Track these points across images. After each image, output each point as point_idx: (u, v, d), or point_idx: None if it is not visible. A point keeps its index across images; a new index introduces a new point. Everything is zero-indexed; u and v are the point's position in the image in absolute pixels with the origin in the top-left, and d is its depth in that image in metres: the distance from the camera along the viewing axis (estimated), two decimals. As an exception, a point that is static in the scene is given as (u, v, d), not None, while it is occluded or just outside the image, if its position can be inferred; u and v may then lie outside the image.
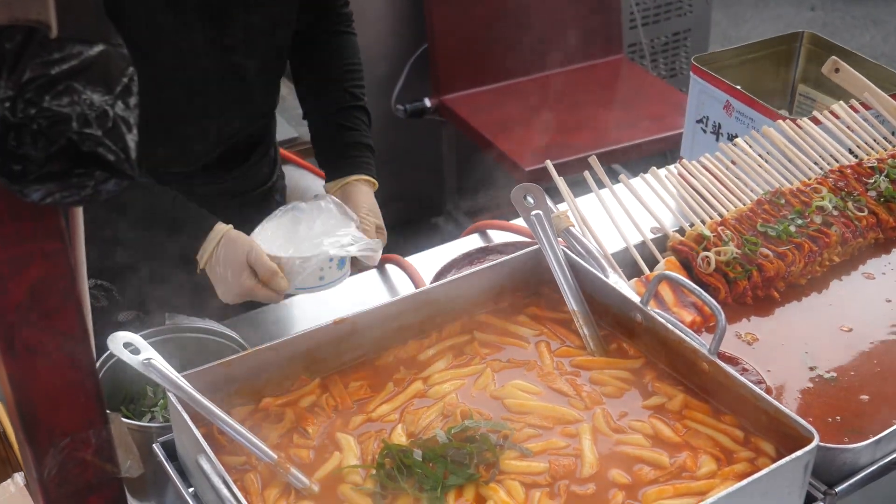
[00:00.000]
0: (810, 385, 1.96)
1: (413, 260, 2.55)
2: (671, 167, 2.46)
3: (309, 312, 2.40)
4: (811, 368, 2.00)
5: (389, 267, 2.57)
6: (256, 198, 2.66)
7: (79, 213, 1.35)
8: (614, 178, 2.38)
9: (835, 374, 1.98)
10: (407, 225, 4.93)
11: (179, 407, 1.63)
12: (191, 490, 1.67)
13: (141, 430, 1.84)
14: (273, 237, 2.20)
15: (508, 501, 1.62)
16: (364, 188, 2.44)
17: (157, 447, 1.72)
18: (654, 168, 2.42)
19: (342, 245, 2.16)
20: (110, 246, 2.25)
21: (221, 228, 2.18)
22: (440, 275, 2.34)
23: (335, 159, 2.51)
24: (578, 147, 4.26)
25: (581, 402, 1.81)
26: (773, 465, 1.57)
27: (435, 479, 1.62)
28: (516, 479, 1.65)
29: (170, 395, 1.65)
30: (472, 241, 2.63)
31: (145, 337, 1.77)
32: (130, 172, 1.19)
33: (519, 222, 2.59)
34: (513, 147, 4.36)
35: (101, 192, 1.19)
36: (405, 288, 2.48)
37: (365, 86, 2.59)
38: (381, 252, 2.25)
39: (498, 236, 2.65)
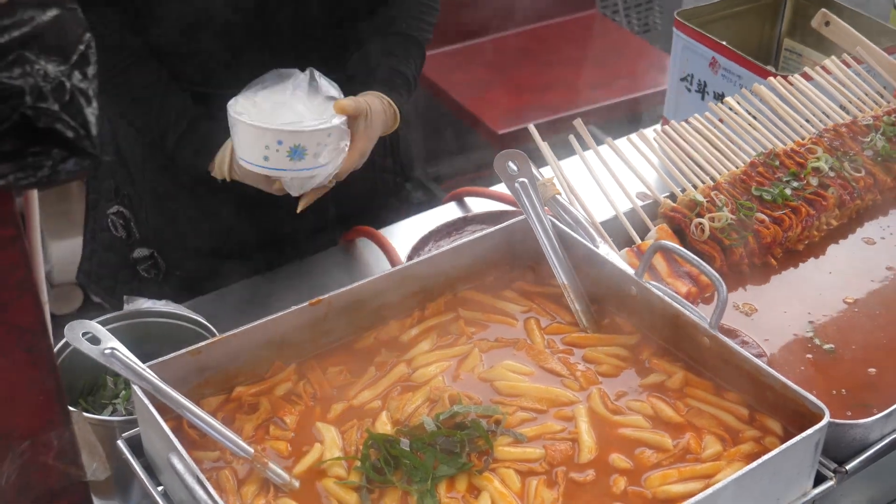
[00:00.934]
0: (811, 357, 1.90)
1: (386, 232, 2.43)
2: (656, 127, 2.36)
3: (281, 293, 2.28)
4: (812, 339, 1.93)
5: (360, 241, 2.45)
6: None
7: (34, 196, 1.28)
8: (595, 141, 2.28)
9: (833, 346, 1.92)
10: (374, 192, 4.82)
11: (146, 400, 1.56)
12: (160, 489, 1.60)
13: (102, 424, 1.74)
14: (252, 105, 1.98)
15: (504, 491, 1.56)
16: (377, 104, 2.13)
17: (121, 444, 1.62)
18: (642, 130, 2.32)
19: (293, 128, 1.92)
20: (134, 169, 2.20)
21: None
22: (417, 248, 2.25)
23: (364, 72, 2.24)
24: (552, 108, 4.19)
25: (576, 383, 1.75)
26: (784, 445, 1.52)
27: (424, 470, 1.56)
28: (511, 467, 1.60)
29: (135, 387, 1.58)
30: (449, 211, 2.53)
31: (105, 324, 1.68)
32: (92, 150, 1.11)
33: (499, 188, 2.48)
34: (484, 109, 4.28)
35: (60, 172, 1.11)
36: (379, 263, 2.37)
37: (431, 23, 2.40)
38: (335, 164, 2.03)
39: (476, 204, 2.54)
